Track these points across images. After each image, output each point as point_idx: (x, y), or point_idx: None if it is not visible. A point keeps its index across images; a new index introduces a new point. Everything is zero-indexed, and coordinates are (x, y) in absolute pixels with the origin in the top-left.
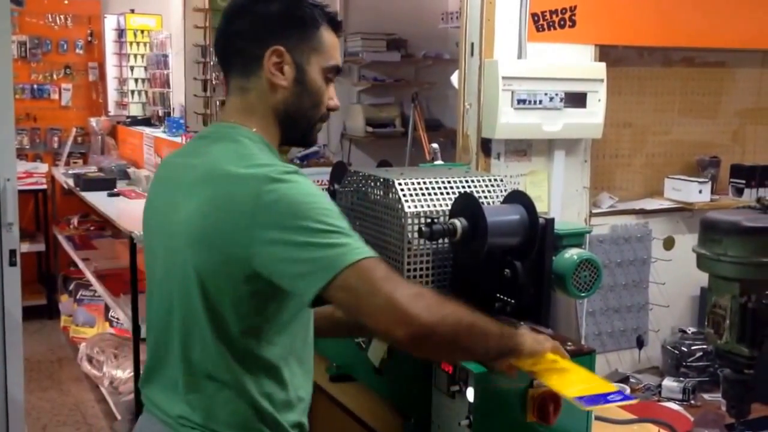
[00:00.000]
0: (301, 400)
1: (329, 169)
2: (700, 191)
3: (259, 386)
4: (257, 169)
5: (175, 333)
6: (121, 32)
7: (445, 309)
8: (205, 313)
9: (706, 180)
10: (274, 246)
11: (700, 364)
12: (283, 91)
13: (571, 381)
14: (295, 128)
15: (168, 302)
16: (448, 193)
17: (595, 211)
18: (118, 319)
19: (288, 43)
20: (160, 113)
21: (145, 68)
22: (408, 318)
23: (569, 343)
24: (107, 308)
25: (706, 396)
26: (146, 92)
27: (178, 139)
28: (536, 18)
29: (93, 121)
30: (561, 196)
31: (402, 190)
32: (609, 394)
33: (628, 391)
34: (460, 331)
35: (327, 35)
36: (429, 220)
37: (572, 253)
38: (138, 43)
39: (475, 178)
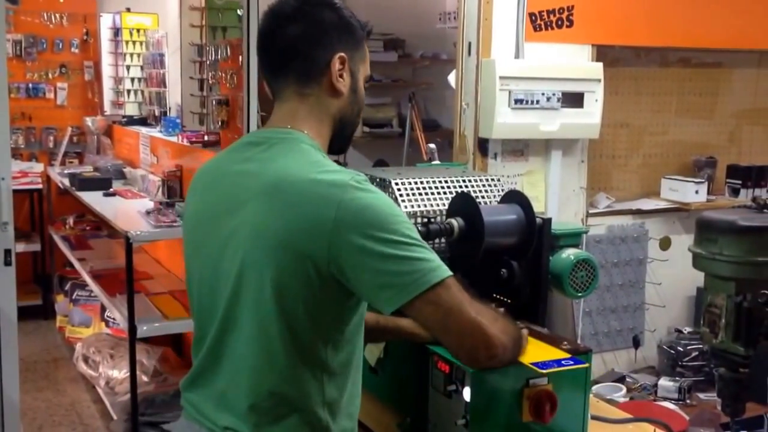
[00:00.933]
0: (356, 408)
1: None
2: (697, 191)
3: (322, 395)
4: (334, 175)
5: (236, 346)
6: (116, 31)
7: (510, 328)
8: (278, 323)
9: (703, 180)
10: (358, 254)
11: (696, 363)
12: (342, 98)
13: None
14: (343, 135)
15: (230, 314)
16: (445, 193)
17: (591, 211)
18: (114, 319)
19: (347, 50)
20: (157, 113)
21: (141, 67)
22: (490, 341)
23: (565, 343)
24: (103, 308)
25: (701, 395)
26: (142, 91)
27: (174, 139)
28: (534, 18)
29: (89, 121)
30: (558, 196)
31: (399, 189)
32: (562, 359)
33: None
34: (517, 345)
35: (367, 46)
36: (426, 220)
37: (569, 254)
38: (134, 42)
39: (472, 178)
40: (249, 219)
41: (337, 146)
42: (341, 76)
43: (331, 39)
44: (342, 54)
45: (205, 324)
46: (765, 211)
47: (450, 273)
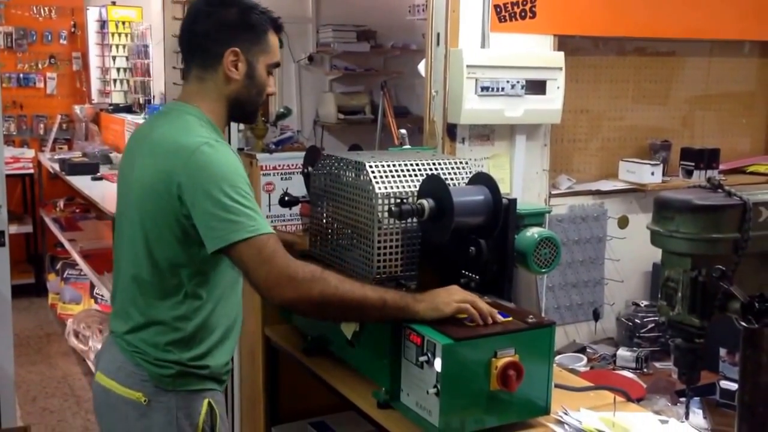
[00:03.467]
0: (228, 327)
1: (303, 153)
2: (653, 173)
3: (185, 311)
4: (195, 138)
5: (121, 275)
6: (103, 23)
7: (311, 288)
8: (145, 251)
9: (658, 162)
10: (198, 197)
11: (652, 334)
12: (235, 83)
13: None
14: (243, 110)
15: (119, 250)
16: (416, 175)
17: (554, 192)
18: (102, 296)
19: (242, 45)
20: (141, 101)
21: (127, 58)
22: (271, 297)
23: (531, 317)
24: (92, 286)
25: (657, 364)
26: (128, 81)
27: None
28: (499, 9)
29: (77, 109)
30: (522, 178)
31: (373, 172)
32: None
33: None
34: (326, 305)
35: (272, 38)
36: (398, 201)
37: (533, 232)
38: (120, 34)
39: (441, 161)
40: (137, 172)
41: (241, 118)
42: (235, 66)
43: (227, 36)
44: (235, 48)
45: (116, 260)
46: (719, 190)
47: (269, 231)
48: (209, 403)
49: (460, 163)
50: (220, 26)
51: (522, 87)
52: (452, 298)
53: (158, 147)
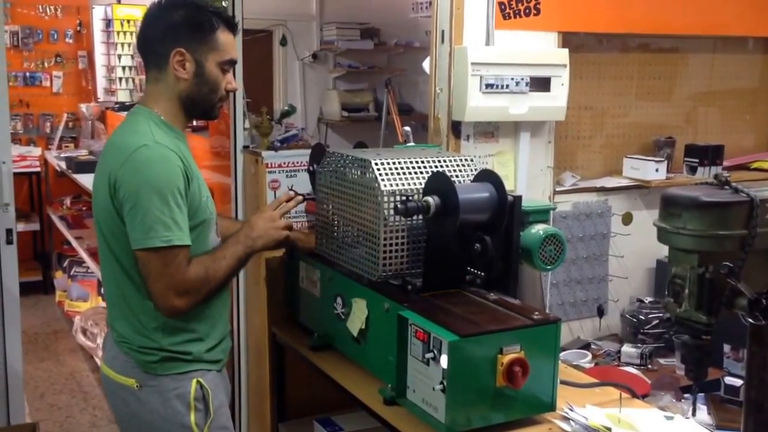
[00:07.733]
0: (204, 326)
1: (308, 151)
2: (657, 170)
3: (149, 302)
4: (137, 138)
5: (101, 270)
6: (108, 22)
7: (200, 293)
8: (109, 253)
9: (662, 159)
10: (129, 195)
11: (656, 331)
12: (185, 82)
13: None
14: (197, 108)
15: (98, 251)
16: (421, 173)
17: (558, 189)
18: None
19: (189, 45)
20: None
21: (132, 56)
22: (164, 309)
23: (536, 313)
24: (100, 283)
25: (661, 361)
26: (133, 79)
27: None
28: (503, 6)
29: (83, 107)
30: (527, 175)
31: (378, 169)
32: None
33: None
34: (210, 295)
35: (223, 36)
36: (404, 198)
37: (538, 229)
38: (125, 33)
39: (446, 158)
40: (97, 176)
41: (199, 115)
42: (182, 66)
43: (174, 37)
44: (180, 49)
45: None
46: (726, 187)
47: (183, 243)
48: (198, 382)
49: (465, 160)
50: (167, 28)
51: (526, 84)
52: (275, 224)
53: (109, 148)
